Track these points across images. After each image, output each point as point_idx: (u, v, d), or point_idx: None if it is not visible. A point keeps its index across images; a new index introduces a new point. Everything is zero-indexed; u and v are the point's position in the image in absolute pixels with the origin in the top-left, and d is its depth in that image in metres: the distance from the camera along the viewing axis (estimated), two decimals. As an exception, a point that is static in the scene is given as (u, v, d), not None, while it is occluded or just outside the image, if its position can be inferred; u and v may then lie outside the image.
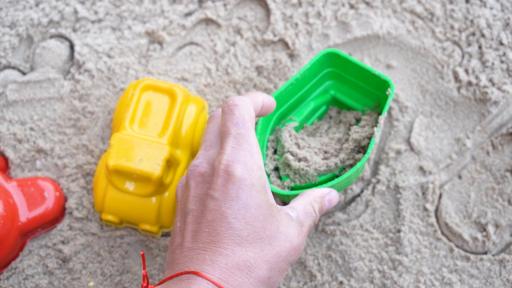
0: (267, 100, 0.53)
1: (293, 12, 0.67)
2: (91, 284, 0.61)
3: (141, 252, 0.49)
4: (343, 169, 0.56)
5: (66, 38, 0.67)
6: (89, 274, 0.61)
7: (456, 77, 0.65)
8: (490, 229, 0.61)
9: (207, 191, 0.47)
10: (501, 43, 0.65)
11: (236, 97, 0.50)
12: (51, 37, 0.67)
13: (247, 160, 0.47)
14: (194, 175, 0.49)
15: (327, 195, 0.52)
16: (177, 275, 0.45)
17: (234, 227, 0.46)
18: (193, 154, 0.63)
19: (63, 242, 0.62)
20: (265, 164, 0.56)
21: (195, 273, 0.44)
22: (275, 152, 0.59)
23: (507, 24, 0.66)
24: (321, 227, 0.62)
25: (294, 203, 0.51)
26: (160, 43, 0.67)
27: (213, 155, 0.49)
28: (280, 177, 0.57)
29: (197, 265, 0.45)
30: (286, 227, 0.48)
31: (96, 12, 0.67)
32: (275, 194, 0.55)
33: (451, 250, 0.61)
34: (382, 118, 0.54)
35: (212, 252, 0.45)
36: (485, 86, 0.64)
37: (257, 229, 0.46)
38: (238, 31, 0.67)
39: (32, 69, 0.67)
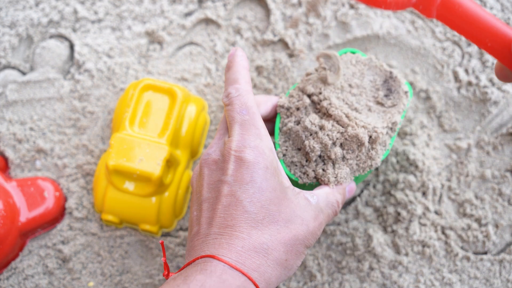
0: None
1: (293, 12, 0.67)
2: (91, 284, 0.61)
3: (160, 241, 0.49)
4: None
5: (66, 38, 0.67)
6: (89, 274, 0.61)
7: (456, 77, 0.65)
8: (490, 229, 0.61)
9: (221, 177, 0.47)
10: (501, 43, 0.65)
11: (233, 87, 0.50)
12: (51, 37, 0.67)
13: (258, 144, 0.48)
14: (207, 163, 0.49)
15: (347, 186, 0.53)
16: (194, 260, 0.45)
17: (249, 210, 0.46)
18: (193, 154, 0.63)
19: (63, 242, 0.62)
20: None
21: (212, 257, 0.44)
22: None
23: (507, 24, 0.66)
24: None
25: (317, 190, 0.51)
26: (160, 43, 0.67)
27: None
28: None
29: (213, 249, 0.45)
30: (303, 211, 0.48)
31: (96, 12, 0.67)
32: (294, 183, 0.54)
33: (451, 250, 0.61)
34: (398, 124, 0.54)
35: (228, 236, 0.45)
36: (485, 86, 0.64)
37: (272, 212, 0.46)
38: (238, 31, 0.67)
39: (32, 69, 0.67)
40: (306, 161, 0.52)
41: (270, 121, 0.55)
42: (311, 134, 0.52)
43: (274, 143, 0.53)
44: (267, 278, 0.45)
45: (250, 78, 0.52)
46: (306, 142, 0.51)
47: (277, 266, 0.46)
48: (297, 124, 0.53)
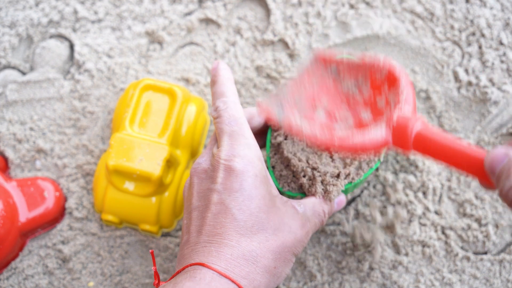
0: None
1: (293, 12, 0.67)
2: (91, 284, 0.61)
3: (150, 250, 0.50)
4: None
5: (66, 38, 0.67)
6: (89, 274, 0.61)
7: (456, 77, 0.65)
8: (490, 229, 0.61)
9: (210, 186, 0.48)
10: (501, 43, 0.65)
11: (221, 100, 0.51)
12: (51, 37, 0.67)
13: (246, 153, 0.48)
14: (197, 172, 0.50)
15: (336, 198, 0.53)
16: (183, 269, 0.45)
17: (238, 218, 0.46)
18: (193, 154, 0.63)
19: (63, 242, 0.62)
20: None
21: (201, 264, 0.45)
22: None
23: (507, 24, 0.66)
24: (321, 227, 0.62)
25: (304, 200, 0.51)
26: (160, 43, 0.67)
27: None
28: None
29: (202, 257, 0.45)
30: (290, 219, 0.48)
31: (96, 12, 0.67)
32: (284, 195, 0.55)
33: (451, 250, 0.61)
34: None
35: (218, 244, 0.46)
36: (485, 86, 0.64)
37: (261, 220, 0.47)
38: (238, 31, 0.67)
39: (32, 69, 0.67)
40: (293, 176, 0.53)
41: (265, 132, 0.55)
42: (294, 154, 0.53)
43: (266, 156, 0.54)
44: (256, 286, 0.46)
45: (236, 89, 0.53)
46: (292, 161, 0.52)
47: (266, 274, 0.46)
48: (285, 139, 0.54)
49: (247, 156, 0.48)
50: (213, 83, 0.53)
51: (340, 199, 0.53)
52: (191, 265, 0.45)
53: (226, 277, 0.44)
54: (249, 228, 0.46)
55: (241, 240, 0.46)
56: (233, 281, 0.44)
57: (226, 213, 0.46)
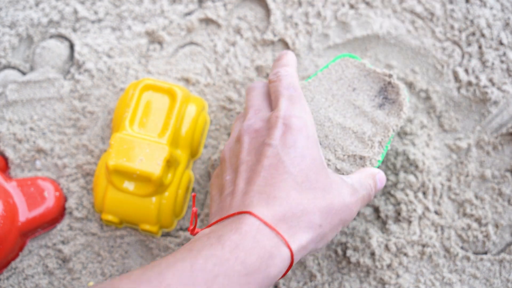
0: None
1: (293, 12, 0.67)
2: (91, 284, 0.61)
3: (192, 194, 0.50)
4: None
5: (66, 38, 0.67)
6: (89, 274, 0.61)
7: (456, 77, 0.65)
8: (490, 229, 0.61)
9: (265, 141, 0.49)
10: (501, 43, 0.65)
11: (283, 68, 0.53)
12: (51, 37, 0.67)
13: (303, 115, 0.49)
14: (248, 132, 0.50)
15: (377, 174, 0.53)
16: (228, 217, 0.45)
17: (290, 171, 0.47)
18: (193, 154, 0.63)
19: (63, 242, 0.62)
20: None
21: (249, 213, 0.44)
22: None
23: (507, 24, 0.66)
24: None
25: (350, 175, 0.52)
26: (160, 43, 0.67)
27: (265, 115, 0.51)
28: None
29: (250, 207, 0.45)
30: (339, 186, 0.49)
31: (96, 12, 0.67)
32: None
33: (451, 250, 0.61)
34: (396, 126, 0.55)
35: (267, 194, 0.46)
36: (485, 86, 0.64)
37: (311, 179, 0.47)
38: (238, 31, 0.67)
39: (32, 69, 0.67)
40: None
41: None
42: None
43: None
44: (299, 240, 0.45)
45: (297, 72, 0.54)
46: None
47: (310, 230, 0.46)
48: None
49: (303, 118, 0.49)
50: (278, 59, 0.55)
51: (381, 176, 0.53)
52: (238, 213, 0.45)
53: (272, 228, 0.44)
54: (300, 183, 0.47)
55: (291, 193, 0.46)
56: (278, 233, 0.44)
57: (278, 165, 0.47)
